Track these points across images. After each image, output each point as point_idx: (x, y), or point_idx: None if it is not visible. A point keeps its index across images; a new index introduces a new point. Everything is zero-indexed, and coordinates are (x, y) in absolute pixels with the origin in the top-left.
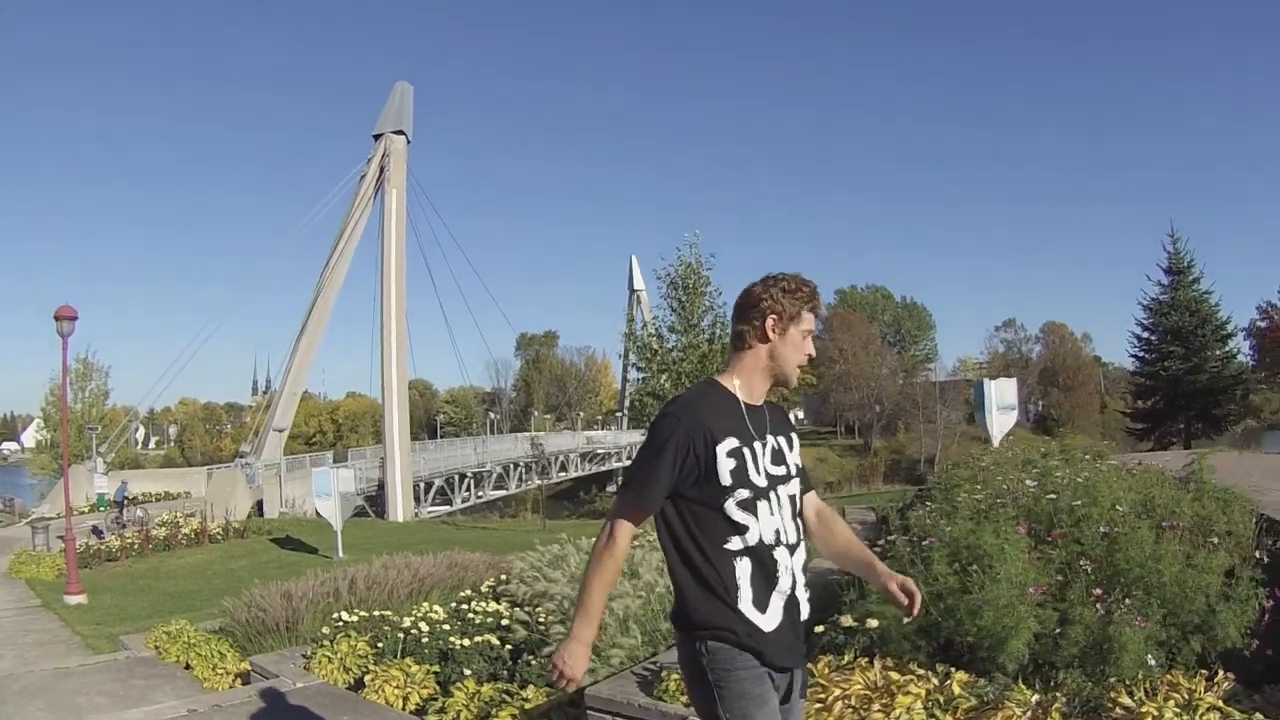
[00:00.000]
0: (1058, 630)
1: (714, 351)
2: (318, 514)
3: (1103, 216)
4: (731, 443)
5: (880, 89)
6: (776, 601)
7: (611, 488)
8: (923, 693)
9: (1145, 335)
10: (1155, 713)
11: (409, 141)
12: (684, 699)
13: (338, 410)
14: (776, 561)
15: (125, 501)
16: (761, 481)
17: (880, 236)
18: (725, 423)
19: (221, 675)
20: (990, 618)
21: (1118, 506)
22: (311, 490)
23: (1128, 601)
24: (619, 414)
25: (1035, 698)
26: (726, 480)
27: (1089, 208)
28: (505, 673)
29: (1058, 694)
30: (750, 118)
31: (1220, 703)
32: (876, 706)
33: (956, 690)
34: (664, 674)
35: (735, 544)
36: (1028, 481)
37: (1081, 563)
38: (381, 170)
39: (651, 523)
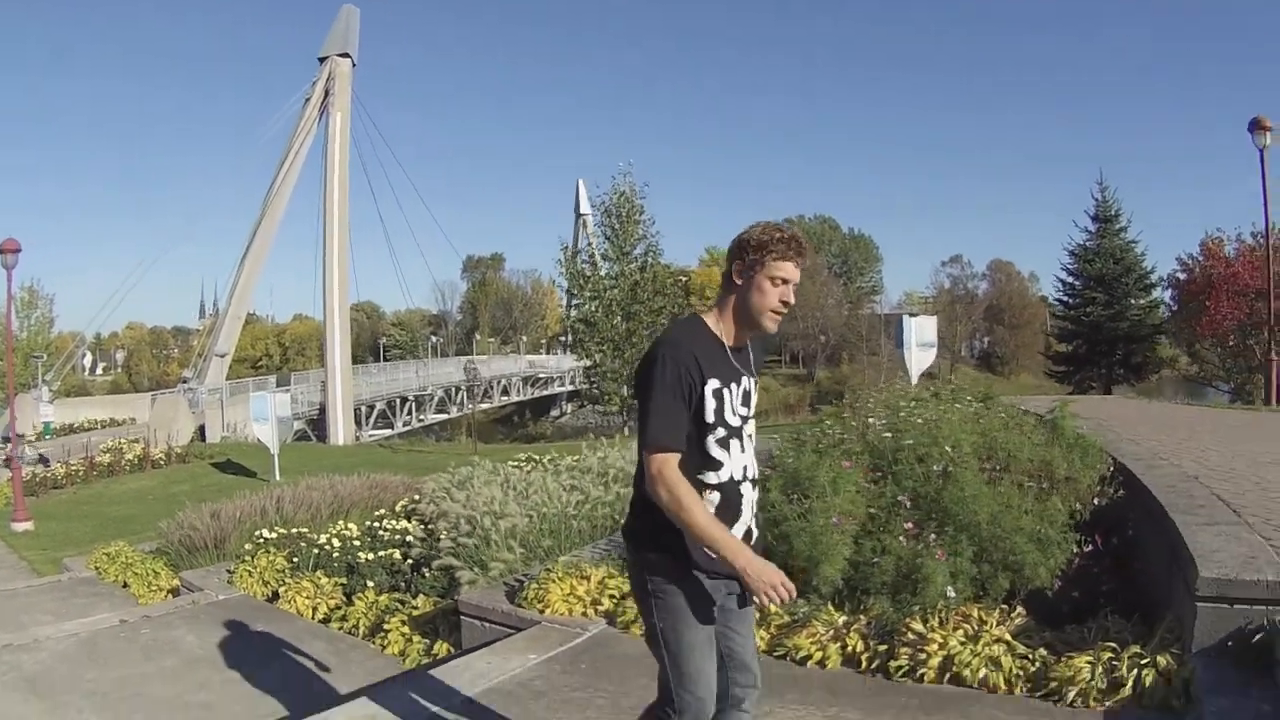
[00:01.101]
0: (875, 560)
1: (645, 280)
2: (259, 439)
3: (1050, 156)
4: (715, 383)
5: (830, 24)
6: (738, 530)
7: (555, 412)
8: None
9: (1070, 280)
10: (940, 640)
11: (354, 65)
12: (539, 605)
13: (284, 333)
14: (741, 496)
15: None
16: (735, 421)
17: (829, 168)
18: (710, 362)
19: (155, 591)
20: (807, 544)
21: (949, 449)
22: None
23: (933, 538)
24: (564, 338)
25: (842, 619)
26: (710, 418)
27: (1038, 146)
28: (403, 584)
29: (862, 616)
30: (701, 45)
31: (1008, 636)
32: None
33: (774, 609)
34: (528, 584)
35: (710, 479)
36: (871, 420)
37: (901, 499)
38: (326, 93)
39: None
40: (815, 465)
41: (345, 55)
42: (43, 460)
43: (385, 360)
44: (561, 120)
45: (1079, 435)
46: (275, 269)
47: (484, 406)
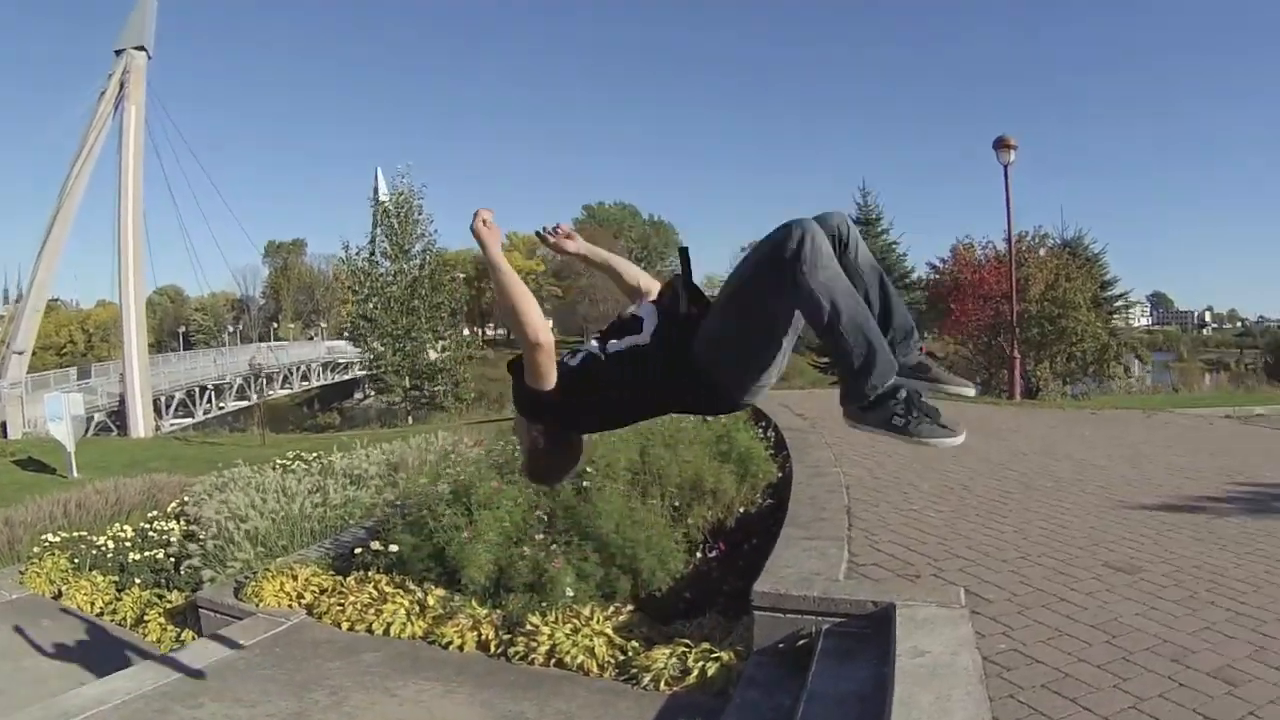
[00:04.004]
0: (517, 564)
1: (423, 277)
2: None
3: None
4: None
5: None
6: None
7: (359, 395)
8: (407, 603)
9: None
10: (549, 632)
11: (150, 57)
12: (256, 599)
13: (88, 319)
14: None
15: None
16: None
17: (630, 154)
18: None
19: None
20: (455, 551)
21: (589, 469)
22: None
23: (554, 547)
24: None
25: (484, 612)
26: None
27: (833, 135)
28: (165, 581)
29: (499, 611)
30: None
31: (609, 629)
32: (372, 610)
33: (431, 602)
34: (249, 582)
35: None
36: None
37: (537, 511)
38: (122, 86)
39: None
40: (471, 484)
41: (141, 48)
42: None
43: (189, 347)
44: (363, 107)
45: (750, 447)
46: (84, 251)
47: (285, 392)
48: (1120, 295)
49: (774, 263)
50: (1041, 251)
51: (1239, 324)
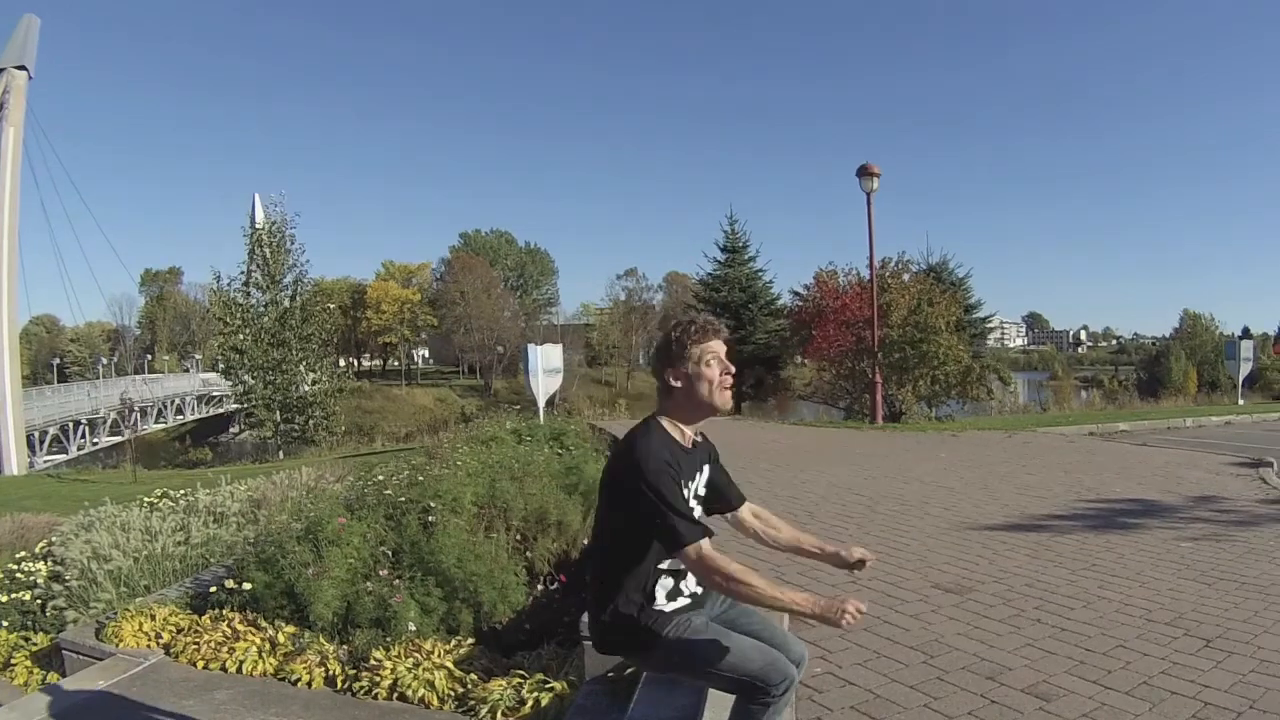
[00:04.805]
0: (366, 598)
1: (294, 308)
2: None
3: (720, 173)
4: (685, 485)
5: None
6: (686, 595)
7: (235, 429)
8: (258, 640)
9: (699, 306)
10: (391, 666)
11: (31, 77)
12: (116, 640)
13: None
14: (687, 577)
15: None
16: (699, 513)
17: (504, 182)
18: (679, 467)
19: None
20: (303, 586)
21: (433, 503)
22: None
23: (397, 582)
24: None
25: (331, 648)
26: None
27: (712, 166)
28: (32, 623)
29: (345, 647)
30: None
31: (449, 663)
32: (226, 649)
33: (281, 639)
34: (109, 623)
35: (665, 564)
36: (379, 476)
37: (383, 547)
38: (0, 106)
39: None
40: (321, 521)
41: (22, 68)
42: None
43: (64, 379)
44: (243, 133)
45: (598, 479)
46: None
47: (159, 427)
48: (985, 318)
49: (743, 689)
50: (905, 277)
51: (1114, 341)
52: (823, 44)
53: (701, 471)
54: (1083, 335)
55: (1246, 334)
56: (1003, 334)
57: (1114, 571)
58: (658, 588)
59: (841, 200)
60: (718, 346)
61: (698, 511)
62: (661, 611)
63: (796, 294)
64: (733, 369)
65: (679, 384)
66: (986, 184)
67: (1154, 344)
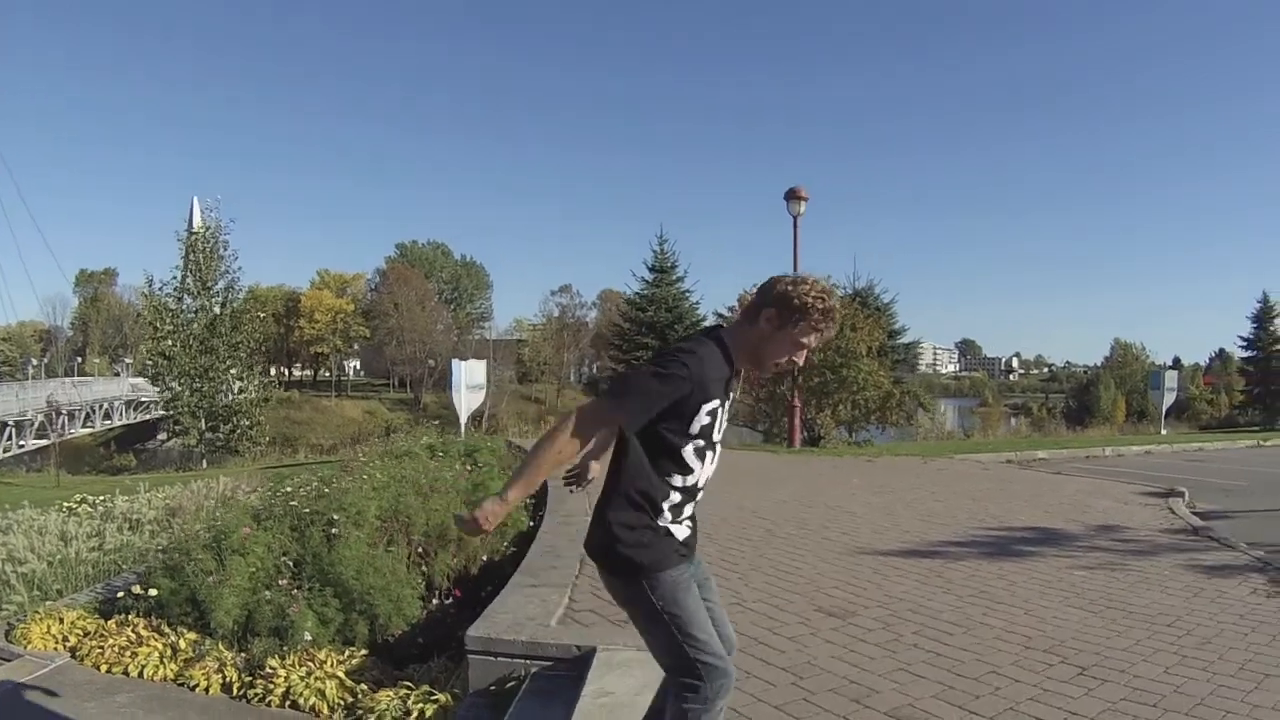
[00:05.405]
0: (265, 607)
1: (224, 316)
2: None
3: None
4: (714, 404)
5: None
6: (686, 526)
7: (163, 435)
8: (161, 646)
9: (625, 325)
10: (285, 674)
11: None
12: (24, 642)
13: None
14: (695, 500)
15: None
16: (717, 437)
17: (443, 192)
18: (717, 385)
19: None
20: (205, 593)
21: (337, 515)
22: None
23: (296, 592)
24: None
25: (229, 655)
26: (696, 431)
27: (645, 183)
28: None
29: (243, 654)
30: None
31: (341, 673)
32: (129, 653)
33: (183, 645)
34: (18, 625)
35: (677, 481)
36: (287, 487)
37: (285, 557)
38: None
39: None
40: (228, 530)
41: None
42: None
43: None
44: (178, 135)
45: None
46: None
47: (86, 431)
48: (911, 345)
49: (680, 666)
50: None
51: (1047, 369)
52: (771, 49)
53: (733, 396)
54: (1015, 363)
55: (1176, 364)
56: (935, 360)
57: (1001, 599)
58: (665, 501)
59: (778, 213)
60: (820, 338)
61: (719, 443)
62: (669, 531)
63: (721, 316)
64: (801, 362)
65: (765, 325)
66: (926, 205)
67: (1085, 372)
